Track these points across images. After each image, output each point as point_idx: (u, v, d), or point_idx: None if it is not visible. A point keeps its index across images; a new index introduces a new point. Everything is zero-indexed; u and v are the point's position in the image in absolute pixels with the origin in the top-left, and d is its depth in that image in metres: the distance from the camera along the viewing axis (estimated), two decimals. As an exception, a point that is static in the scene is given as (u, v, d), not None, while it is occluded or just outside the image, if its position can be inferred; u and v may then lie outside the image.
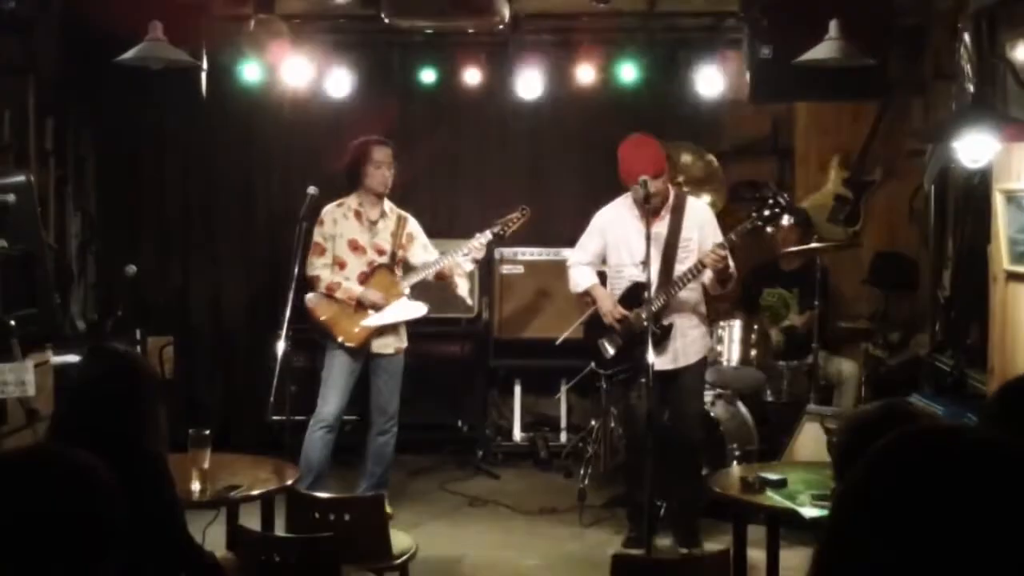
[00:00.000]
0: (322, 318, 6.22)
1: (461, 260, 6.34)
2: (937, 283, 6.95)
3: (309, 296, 6.29)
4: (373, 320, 6.26)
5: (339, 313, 6.22)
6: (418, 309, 6.40)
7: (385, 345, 6.34)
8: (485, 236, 6.36)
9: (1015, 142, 5.13)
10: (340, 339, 6.19)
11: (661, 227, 5.86)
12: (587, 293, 6.10)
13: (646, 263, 5.38)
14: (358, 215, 6.33)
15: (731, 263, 5.78)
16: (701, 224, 5.88)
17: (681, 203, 5.93)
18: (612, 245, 5.96)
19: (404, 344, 6.43)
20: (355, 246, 6.27)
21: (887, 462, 1.17)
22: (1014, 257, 5.17)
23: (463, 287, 6.48)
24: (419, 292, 6.51)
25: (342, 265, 6.29)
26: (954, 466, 1.13)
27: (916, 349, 7.28)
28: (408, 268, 6.45)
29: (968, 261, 6.42)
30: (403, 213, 6.49)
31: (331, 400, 6.19)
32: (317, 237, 6.32)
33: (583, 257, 6.12)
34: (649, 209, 5.51)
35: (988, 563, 1.07)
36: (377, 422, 6.39)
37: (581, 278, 6.09)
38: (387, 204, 6.40)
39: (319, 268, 6.29)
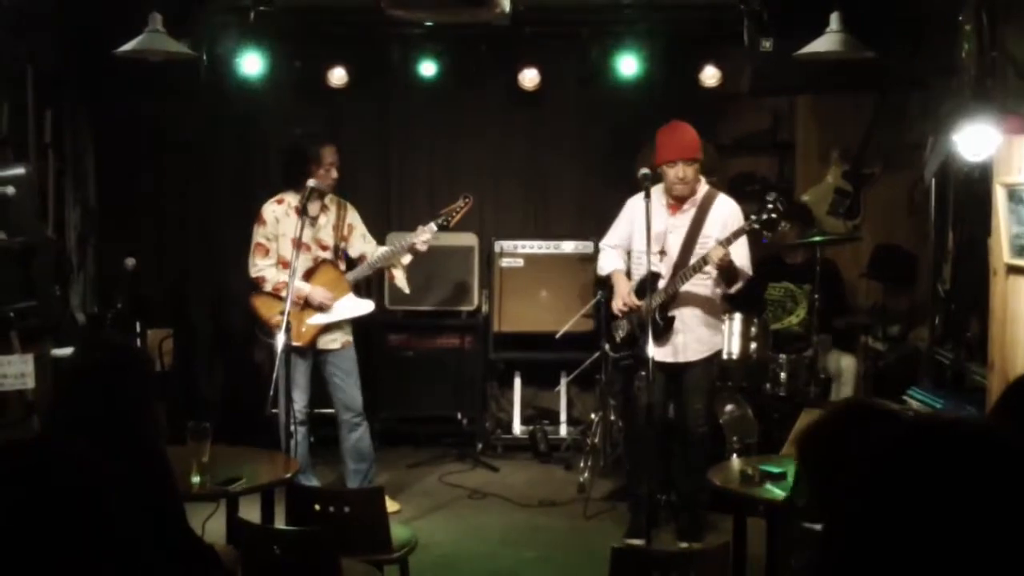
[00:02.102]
0: (267, 317, 6.13)
1: (402, 252, 6.30)
2: (937, 276, 6.94)
3: (254, 296, 6.25)
4: (320, 318, 6.21)
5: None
6: (365, 307, 6.38)
7: (331, 340, 6.28)
8: (430, 228, 6.31)
9: (1015, 135, 5.12)
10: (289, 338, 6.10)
11: (683, 219, 5.86)
12: (609, 277, 6.13)
13: (663, 253, 5.60)
14: (298, 212, 6.15)
15: (743, 264, 5.76)
16: (724, 222, 5.82)
17: (709, 199, 5.90)
18: (637, 232, 5.93)
19: (350, 338, 6.37)
20: (298, 244, 6.03)
21: (890, 458, 1.16)
22: (1014, 250, 5.16)
23: (400, 278, 6.44)
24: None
25: (286, 264, 6.10)
26: (954, 459, 1.12)
27: (915, 342, 7.28)
28: (348, 261, 6.41)
29: (968, 254, 6.41)
30: (342, 201, 6.41)
31: (296, 397, 6.06)
32: (259, 237, 6.23)
33: (612, 241, 6.16)
34: (649, 203, 5.48)
35: (994, 557, 1.07)
36: (346, 420, 6.35)
37: (606, 262, 6.13)
38: (327, 196, 6.28)
39: (264, 268, 6.21)
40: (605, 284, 6.29)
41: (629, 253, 6.09)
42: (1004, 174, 5.25)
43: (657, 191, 5.81)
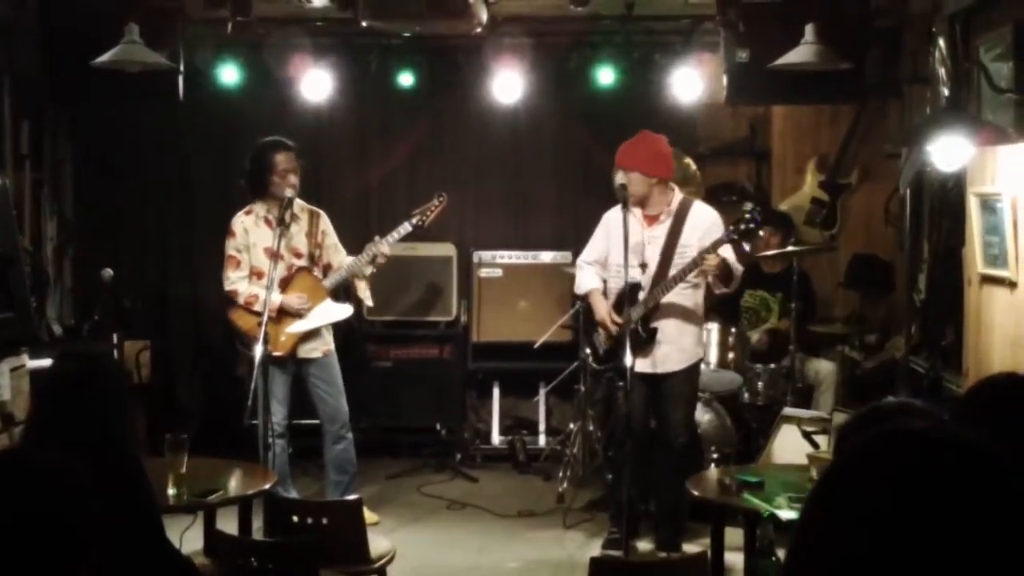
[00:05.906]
0: (245, 329, 6.08)
1: (364, 264, 6.25)
2: (913, 286, 6.98)
3: (232, 308, 6.19)
4: (298, 326, 6.13)
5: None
6: (343, 311, 6.32)
7: (312, 349, 6.21)
8: (404, 228, 6.29)
9: (989, 146, 5.16)
10: (267, 349, 6.05)
11: (660, 231, 5.84)
12: (587, 296, 6.11)
13: (644, 265, 5.59)
14: (268, 222, 6.11)
15: (734, 262, 5.76)
16: (706, 230, 5.78)
17: (685, 208, 5.88)
18: (614, 246, 5.93)
19: (331, 346, 6.29)
20: (271, 253, 5.92)
21: (857, 463, 1.18)
22: (988, 260, 5.20)
23: (363, 290, 6.38)
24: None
25: (260, 275, 6.04)
26: (922, 466, 1.14)
27: (892, 351, 7.31)
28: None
29: (943, 264, 6.46)
30: (314, 209, 6.35)
31: (275, 409, 6.00)
32: (230, 250, 6.16)
33: (589, 257, 6.11)
34: (628, 210, 5.51)
35: (955, 563, 1.09)
36: (330, 432, 6.27)
37: (584, 281, 6.08)
38: (296, 204, 6.18)
39: (236, 281, 6.14)
40: (583, 297, 6.27)
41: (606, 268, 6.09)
42: (978, 184, 5.30)
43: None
